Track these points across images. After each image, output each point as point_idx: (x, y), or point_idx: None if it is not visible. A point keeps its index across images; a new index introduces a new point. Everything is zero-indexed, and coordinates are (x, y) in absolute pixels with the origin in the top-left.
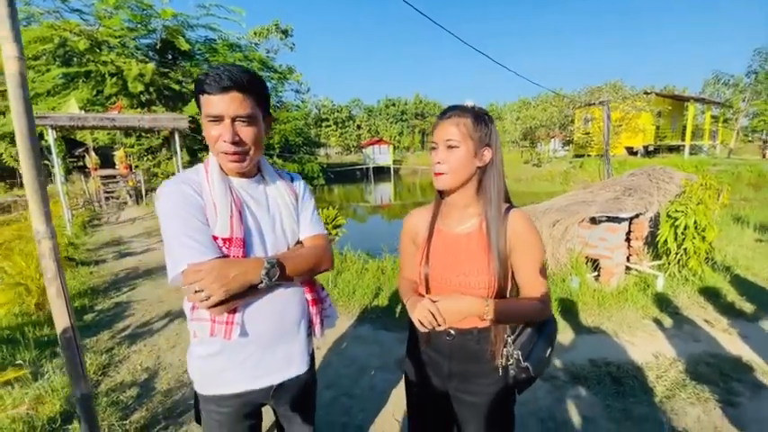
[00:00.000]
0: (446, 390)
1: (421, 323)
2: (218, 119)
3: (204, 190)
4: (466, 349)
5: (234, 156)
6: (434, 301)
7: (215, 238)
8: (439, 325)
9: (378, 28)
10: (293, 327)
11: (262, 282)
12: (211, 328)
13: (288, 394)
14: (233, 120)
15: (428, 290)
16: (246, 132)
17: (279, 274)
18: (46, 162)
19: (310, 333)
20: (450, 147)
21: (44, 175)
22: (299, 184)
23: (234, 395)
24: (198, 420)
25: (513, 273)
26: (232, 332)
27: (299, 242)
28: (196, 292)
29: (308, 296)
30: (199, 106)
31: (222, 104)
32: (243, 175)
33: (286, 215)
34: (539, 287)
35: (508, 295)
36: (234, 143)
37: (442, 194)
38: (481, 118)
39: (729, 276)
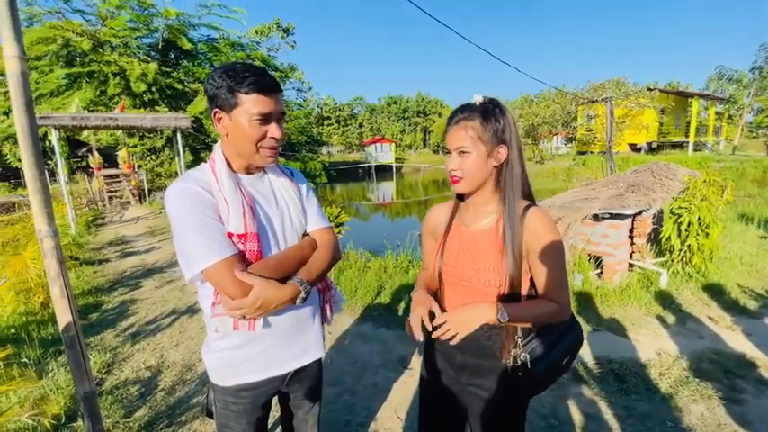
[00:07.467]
0: (459, 382)
1: (411, 327)
2: (267, 117)
3: (214, 188)
4: (476, 344)
5: (274, 151)
6: (443, 312)
7: (230, 235)
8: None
9: (379, 26)
10: (309, 315)
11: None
12: (235, 322)
13: (301, 380)
14: (278, 118)
15: (441, 284)
16: (282, 130)
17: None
18: (49, 162)
19: (322, 320)
20: (461, 153)
21: (46, 174)
22: (300, 179)
23: (253, 384)
24: (209, 415)
25: (531, 273)
26: (256, 324)
27: (305, 234)
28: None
29: (319, 285)
30: (228, 104)
31: (273, 104)
32: (249, 172)
33: (293, 209)
34: (556, 289)
35: (526, 294)
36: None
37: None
38: (491, 115)
39: (733, 273)
